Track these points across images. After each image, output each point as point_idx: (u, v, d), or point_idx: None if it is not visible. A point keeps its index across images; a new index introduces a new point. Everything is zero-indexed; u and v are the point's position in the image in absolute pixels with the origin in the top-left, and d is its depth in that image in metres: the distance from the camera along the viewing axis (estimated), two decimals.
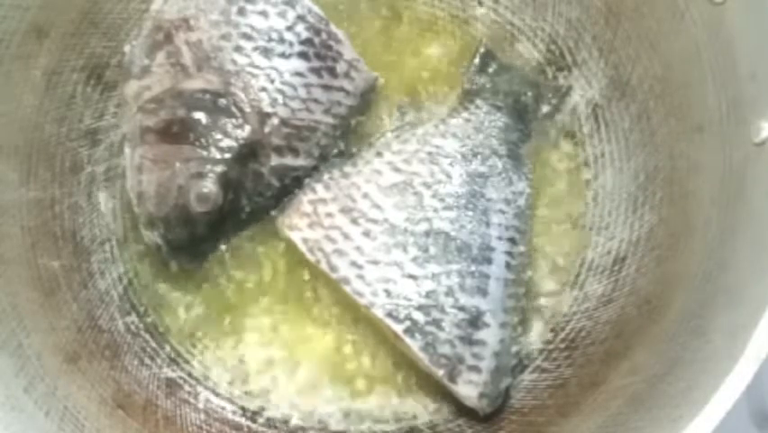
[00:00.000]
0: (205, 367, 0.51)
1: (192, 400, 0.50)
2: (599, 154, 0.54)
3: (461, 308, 0.46)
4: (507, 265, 0.49)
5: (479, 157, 0.51)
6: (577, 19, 0.54)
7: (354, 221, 0.48)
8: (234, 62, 0.49)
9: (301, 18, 0.50)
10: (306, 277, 0.51)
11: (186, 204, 0.48)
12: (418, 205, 0.49)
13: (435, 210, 0.49)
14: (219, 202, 0.48)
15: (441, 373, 0.46)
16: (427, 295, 0.46)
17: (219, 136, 0.48)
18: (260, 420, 0.50)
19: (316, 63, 0.50)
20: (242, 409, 0.50)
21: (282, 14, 0.50)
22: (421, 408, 0.50)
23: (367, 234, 0.48)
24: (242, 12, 0.49)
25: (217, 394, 0.50)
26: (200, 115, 0.48)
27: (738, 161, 0.43)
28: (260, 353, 0.51)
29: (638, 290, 0.49)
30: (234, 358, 0.51)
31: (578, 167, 0.55)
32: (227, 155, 0.48)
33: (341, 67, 0.51)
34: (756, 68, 0.42)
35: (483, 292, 0.47)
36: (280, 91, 0.49)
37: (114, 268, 0.52)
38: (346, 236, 0.48)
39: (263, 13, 0.50)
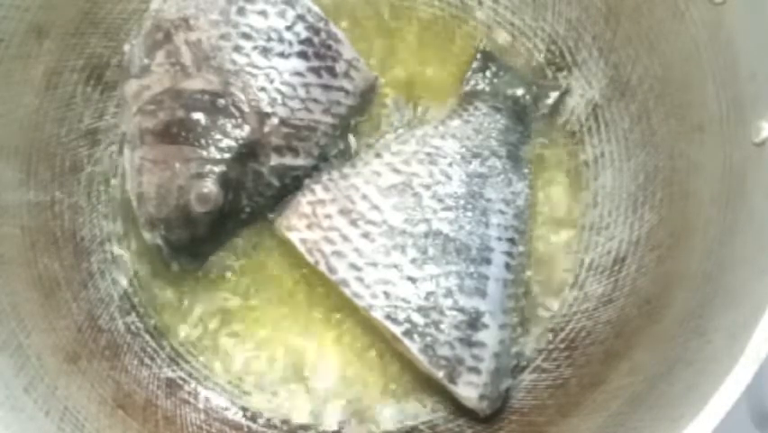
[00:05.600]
0: (205, 367, 0.51)
1: (192, 400, 0.50)
2: (599, 154, 0.54)
3: (461, 310, 0.46)
4: (507, 266, 0.49)
5: (478, 158, 0.51)
6: (577, 19, 0.54)
7: (353, 222, 0.48)
8: (234, 62, 0.49)
9: (300, 18, 0.50)
10: (305, 278, 0.51)
11: (186, 204, 0.48)
12: (417, 206, 0.49)
13: (434, 211, 0.49)
14: (219, 202, 0.48)
15: (440, 374, 0.46)
16: (426, 297, 0.46)
17: (218, 136, 0.48)
18: (260, 420, 0.50)
19: (316, 63, 0.50)
20: (242, 409, 0.50)
21: (282, 14, 0.50)
22: (421, 408, 0.50)
23: (366, 235, 0.48)
24: (241, 11, 0.49)
25: (217, 394, 0.50)
26: (199, 116, 0.48)
27: (738, 161, 0.43)
28: (261, 353, 0.51)
29: (638, 290, 0.49)
30: (235, 358, 0.51)
31: (578, 167, 0.55)
32: (227, 155, 0.48)
33: (340, 66, 0.51)
34: (756, 68, 0.42)
35: (482, 293, 0.47)
36: (279, 91, 0.49)
37: (114, 268, 0.52)
38: (345, 238, 0.48)
39: (263, 13, 0.50)
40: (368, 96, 0.54)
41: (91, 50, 0.52)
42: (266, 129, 0.49)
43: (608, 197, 0.53)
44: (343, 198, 0.49)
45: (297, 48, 0.50)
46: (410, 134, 0.52)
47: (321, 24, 0.51)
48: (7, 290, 0.45)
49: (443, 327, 0.46)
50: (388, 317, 0.46)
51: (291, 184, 0.51)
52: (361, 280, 0.47)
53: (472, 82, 0.55)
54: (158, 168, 0.48)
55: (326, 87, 0.51)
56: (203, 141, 0.48)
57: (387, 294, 0.46)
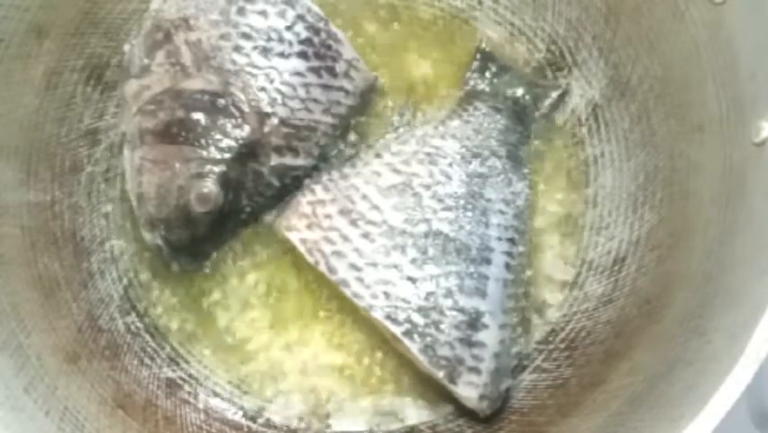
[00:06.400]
0: (205, 367, 0.51)
1: (192, 400, 0.50)
2: (599, 154, 0.54)
3: (461, 310, 0.46)
4: (507, 266, 0.49)
5: (478, 158, 0.51)
6: (577, 19, 0.54)
7: (353, 222, 0.48)
8: (234, 62, 0.49)
9: (300, 18, 0.50)
10: (306, 278, 0.51)
11: (186, 204, 0.48)
12: (417, 206, 0.49)
13: (434, 211, 0.49)
14: (219, 202, 0.48)
15: (441, 374, 0.46)
16: (426, 297, 0.46)
17: (218, 136, 0.48)
18: (260, 420, 0.50)
19: (316, 63, 0.50)
20: (242, 409, 0.50)
21: (281, 14, 0.50)
22: (421, 408, 0.50)
23: (366, 235, 0.48)
24: (241, 11, 0.49)
25: (217, 394, 0.50)
26: (199, 116, 0.48)
27: (738, 161, 0.43)
28: (260, 353, 0.51)
29: (638, 290, 0.49)
30: (234, 358, 0.51)
31: (578, 167, 0.55)
32: (227, 155, 0.48)
33: (340, 66, 0.51)
34: (756, 68, 0.42)
35: (482, 293, 0.47)
36: (279, 91, 0.49)
37: (114, 268, 0.52)
38: (345, 238, 0.48)
39: (263, 13, 0.50)
40: (368, 96, 0.54)
41: (91, 50, 0.52)
42: (266, 129, 0.49)
43: (608, 197, 0.53)
44: (343, 198, 0.49)
45: (297, 48, 0.50)
46: (410, 134, 0.52)
47: (321, 24, 0.51)
48: (7, 290, 0.45)
49: (443, 327, 0.46)
50: (388, 317, 0.46)
51: (291, 184, 0.51)
52: (361, 280, 0.47)
53: (472, 82, 0.55)
54: (158, 168, 0.48)
55: (326, 87, 0.51)
56: (203, 141, 0.48)
57: (387, 294, 0.46)
